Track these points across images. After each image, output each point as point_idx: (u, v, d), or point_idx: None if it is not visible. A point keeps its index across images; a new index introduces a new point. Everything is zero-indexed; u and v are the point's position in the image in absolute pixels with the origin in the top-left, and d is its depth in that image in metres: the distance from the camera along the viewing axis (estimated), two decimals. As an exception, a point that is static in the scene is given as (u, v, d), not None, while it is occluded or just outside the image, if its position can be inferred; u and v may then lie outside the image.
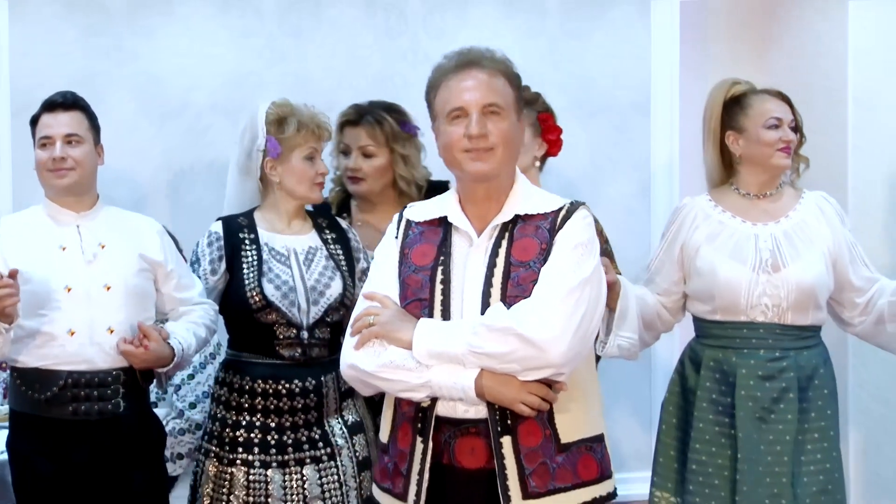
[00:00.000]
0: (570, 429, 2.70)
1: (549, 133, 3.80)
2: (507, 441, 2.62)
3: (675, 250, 3.61)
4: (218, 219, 3.63)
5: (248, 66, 4.65)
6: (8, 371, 3.49)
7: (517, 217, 2.75)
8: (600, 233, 3.56)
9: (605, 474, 2.75)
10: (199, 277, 3.62)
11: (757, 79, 4.56)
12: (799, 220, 3.53)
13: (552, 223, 2.72)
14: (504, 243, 2.72)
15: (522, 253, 2.70)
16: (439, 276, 2.70)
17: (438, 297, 2.69)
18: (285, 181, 3.56)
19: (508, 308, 2.60)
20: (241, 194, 3.70)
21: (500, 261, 2.69)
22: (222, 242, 3.56)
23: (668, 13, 5.04)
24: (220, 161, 4.44)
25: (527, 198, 2.78)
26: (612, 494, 2.78)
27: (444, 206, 2.82)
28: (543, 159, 3.86)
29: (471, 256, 2.73)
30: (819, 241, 3.50)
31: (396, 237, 2.83)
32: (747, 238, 3.51)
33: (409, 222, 2.85)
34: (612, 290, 3.21)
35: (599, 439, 2.77)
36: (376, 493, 2.83)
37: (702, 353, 3.55)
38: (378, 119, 3.90)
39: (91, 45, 4.53)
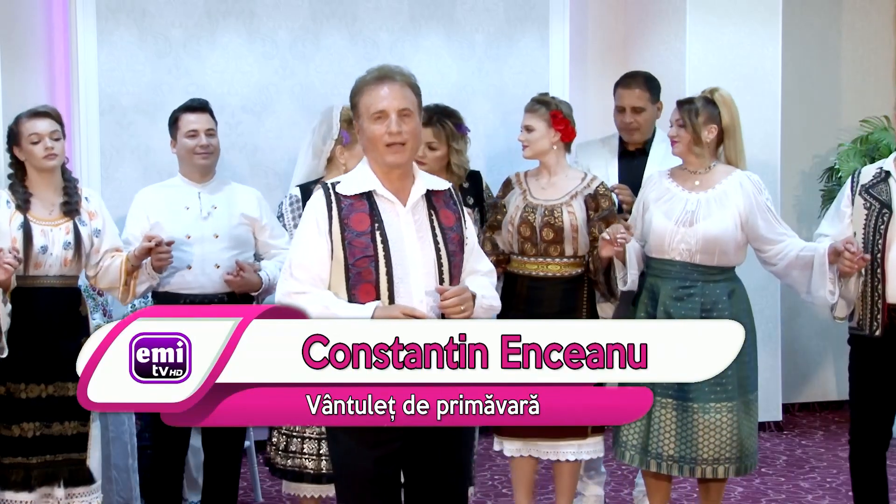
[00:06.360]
0: None
1: (557, 125, 4.18)
2: None
3: (640, 207, 4.16)
4: (296, 185, 4.17)
5: (267, 79, 5.58)
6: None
7: (429, 192, 3.09)
8: (609, 196, 4.25)
9: None
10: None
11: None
12: (721, 191, 3.99)
13: (452, 198, 3.15)
14: (433, 213, 3.09)
15: (447, 220, 3.10)
16: (378, 237, 3.00)
17: (381, 252, 3.00)
18: (350, 163, 3.95)
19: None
20: (308, 168, 4.21)
21: (437, 225, 3.08)
22: (300, 203, 4.07)
23: (560, 43, 6.01)
24: (248, 146, 5.55)
25: (424, 178, 3.12)
26: None
27: (366, 182, 3.05)
28: (566, 143, 4.26)
29: (403, 219, 3.04)
30: (732, 206, 3.95)
31: (330, 206, 3.01)
32: (680, 200, 4.02)
33: (338, 196, 3.03)
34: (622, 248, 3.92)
35: None
36: None
37: (645, 278, 4.10)
38: (440, 122, 4.25)
39: (157, 64, 5.43)
